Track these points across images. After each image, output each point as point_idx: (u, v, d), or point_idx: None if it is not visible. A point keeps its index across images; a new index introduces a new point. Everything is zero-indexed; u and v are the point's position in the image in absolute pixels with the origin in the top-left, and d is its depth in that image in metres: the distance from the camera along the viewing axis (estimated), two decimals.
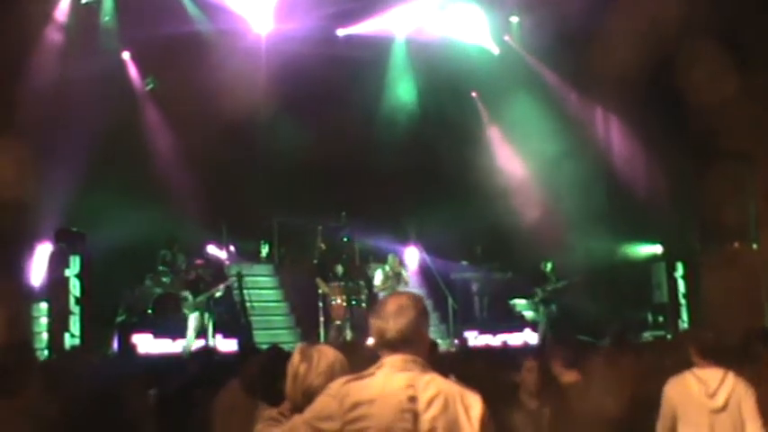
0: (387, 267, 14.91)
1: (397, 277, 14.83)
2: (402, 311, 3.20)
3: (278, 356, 4.51)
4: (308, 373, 3.52)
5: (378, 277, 14.88)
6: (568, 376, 5.69)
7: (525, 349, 11.75)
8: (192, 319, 13.25)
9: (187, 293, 13.46)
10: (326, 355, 3.58)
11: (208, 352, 10.33)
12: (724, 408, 5.12)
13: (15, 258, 12.19)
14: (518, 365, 5.68)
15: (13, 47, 11.43)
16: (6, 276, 11.30)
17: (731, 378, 5.19)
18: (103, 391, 5.53)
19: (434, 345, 5.97)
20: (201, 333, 13.23)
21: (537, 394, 5.52)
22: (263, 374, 4.32)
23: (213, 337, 13.31)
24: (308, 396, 3.38)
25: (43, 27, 13.02)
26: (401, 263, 15.44)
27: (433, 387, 3.10)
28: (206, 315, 13.37)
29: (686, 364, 5.37)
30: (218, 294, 13.64)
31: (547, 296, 15.91)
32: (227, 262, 15.08)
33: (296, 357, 3.60)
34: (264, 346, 7.33)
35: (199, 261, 14.07)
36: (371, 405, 3.06)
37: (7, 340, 8.82)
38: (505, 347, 12.39)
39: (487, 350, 12.04)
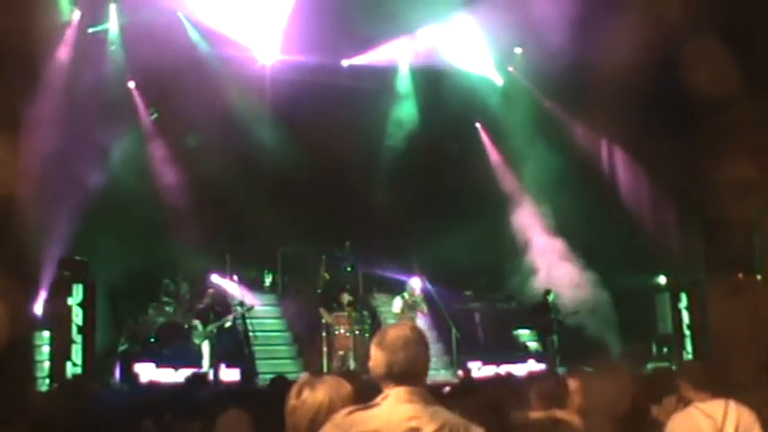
0: (405, 295, 14.79)
1: (414, 306, 14.71)
2: (407, 343, 3.20)
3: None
4: (295, 411, 3.48)
5: (397, 305, 14.73)
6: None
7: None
8: (205, 348, 13.24)
9: (197, 322, 13.44)
10: (316, 393, 3.46)
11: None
12: None
13: (18, 286, 12.14)
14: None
15: (21, 75, 11.46)
16: (9, 303, 11.25)
17: (733, 408, 5.09)
18: (104, 420, 5.50)
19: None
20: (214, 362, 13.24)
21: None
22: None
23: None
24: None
25: (50, 55, 13.08)
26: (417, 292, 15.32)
27: (438, 419, 3.08)
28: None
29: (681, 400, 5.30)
30: (227, 324, 13.64)
31: (549, 326, 15.84)
32: (237, 293, 15.00)
33: (293, 391, 3.55)
34: (268, 377, 7.29)
35: (210, 290, 14.07)
36: None
37: (8, 368, 8.76)
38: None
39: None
